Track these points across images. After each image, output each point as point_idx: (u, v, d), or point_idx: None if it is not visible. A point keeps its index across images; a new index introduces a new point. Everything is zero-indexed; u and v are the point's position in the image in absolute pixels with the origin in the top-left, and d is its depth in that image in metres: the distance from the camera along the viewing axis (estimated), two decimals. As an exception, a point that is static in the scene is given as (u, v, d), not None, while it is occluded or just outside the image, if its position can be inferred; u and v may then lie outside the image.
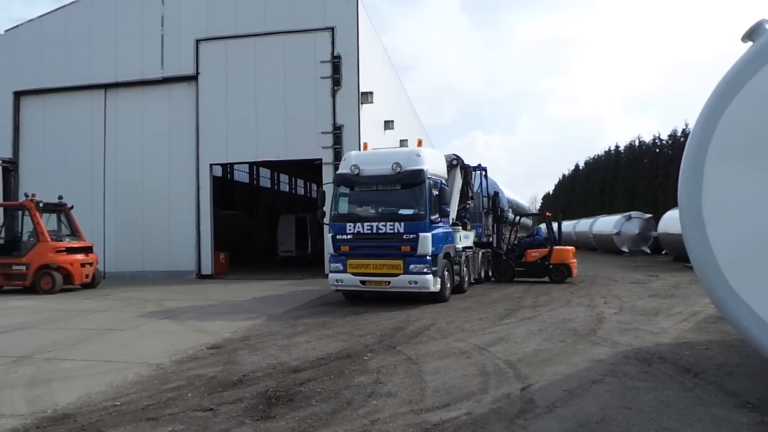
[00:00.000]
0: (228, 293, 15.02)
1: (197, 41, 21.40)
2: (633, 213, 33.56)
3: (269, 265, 26.72)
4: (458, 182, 14.20)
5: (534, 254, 16.52)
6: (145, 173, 21.87)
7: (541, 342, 7.85)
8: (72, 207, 17.30)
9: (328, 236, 12.18)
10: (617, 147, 47.99)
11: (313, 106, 20.19)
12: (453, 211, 13.92)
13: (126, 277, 21.32)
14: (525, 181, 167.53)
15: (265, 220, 41.31)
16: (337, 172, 12.36)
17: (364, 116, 20.43)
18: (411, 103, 39.05)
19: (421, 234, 11.20)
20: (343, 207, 12.09)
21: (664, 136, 39.28)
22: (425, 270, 11.22)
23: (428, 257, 11.29)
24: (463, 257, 13.84)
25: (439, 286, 11.62)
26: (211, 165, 21.39)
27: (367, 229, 11.57)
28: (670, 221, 26.62)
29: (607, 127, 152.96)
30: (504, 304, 11.81)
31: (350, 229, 11.71)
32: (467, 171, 15.12)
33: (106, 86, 22.34)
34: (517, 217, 17.66)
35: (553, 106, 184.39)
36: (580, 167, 61.51)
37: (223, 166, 40.70)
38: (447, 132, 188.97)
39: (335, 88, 20.08)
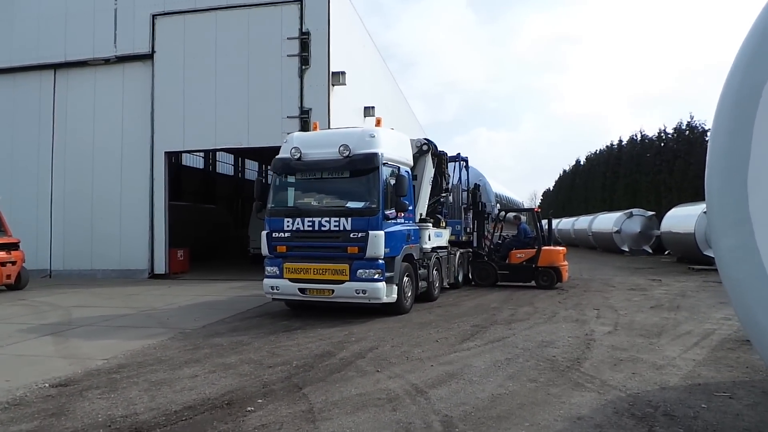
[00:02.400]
0: (162, 298, 12.97)
1: (153, 16, 19.25)
2: (634, 210, 31.50)
3: (239, 262, 24.66)
4: (429, 171, 12.09)
5: (519, 255, 14.43)
6: (96, 162, 19.79)
7: (504, 381, 5.78)
8: (-2, 198, 15.27)
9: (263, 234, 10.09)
10: (620, 141, 45.73)
11: (278, 88, 18.07)
12: (422, 204, 11.86)
13: (73, 276, 19.33)
14: (529, 178, 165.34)
15: (247, 214, 39.19)
16: (276, 157, 10.27)
17: (337, 99, 18.32)
18: (402, 94, 37.00)
19: (371, 232, 9.12)
20: (281, 199, 10.03)
21: (669, 130, 37.08)
22: (376, 276, 9.14)
23: (380, 260, 9.21)
24: (433, 260, 11.77)
25: (395, 295, 9.55)
26: (166, 153, 19.29)
27: (308, 226, 9.51)
28: (674, 219, 24.60)
29: (611, 125, 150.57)
30: (474, 318, 9.73)
31: (288, 226, 9.65)
32: (441, 159, 13.00)
33: (55, 67, 20.22)
34: (502, 213, 15.51)
35: (558, 103, 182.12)
36: (581, 163, 59.30)
37: (205, 155, 39.00)
38: (450, 128, 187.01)
39: (303, 67, 17.94)
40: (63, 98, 20.24)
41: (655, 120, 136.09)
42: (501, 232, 15.62)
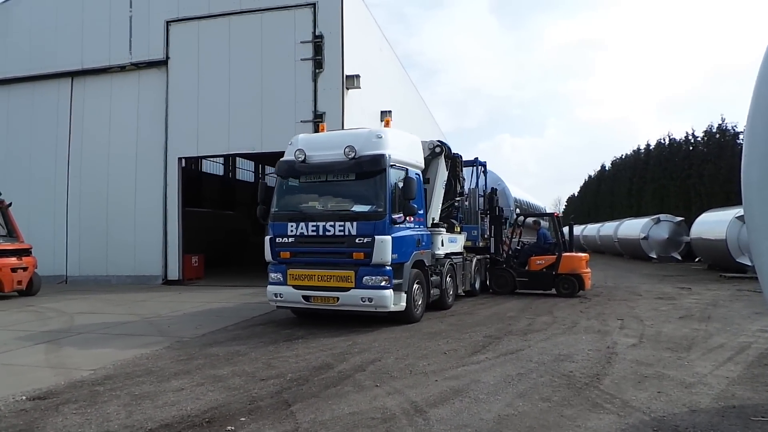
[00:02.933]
0: (169, 305, 12.70)
1: (167, 23, 19.24)
2: (662, 216, 30.43)
3: (256, 269, 24.37)
4: (442, 174, 11.59)
5: (539, 262, 13.79)
6: (111, 168, 19.79)
7: (513, 400, 5.24)
8: (10, 204, 15.25)
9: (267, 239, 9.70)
10: (648, 146, 44.39)
11: (292, 93, 17.81)
12: (435, 209, 11.36)
13: (89, 282, 19.30)
14: (553, 184, 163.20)
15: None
16: (281, 159, 9.89)
17: (352, 103, 17.97)
18: (423, 101, 36.64)
19: (377, 237, 8.66)
20: (285, 203, 9.63)
21: (699, 133, 35.81)
22: (383, 283, 8.66)
23: (387, 267, 8.73)
24: (447, 266, 11.24)
25: (404, 303, 9.06)
26: (179, 159, 19.16)
27: (312, 231, 9.08)
28: (705, 225, 23.58)
29: (638, 130, 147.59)
30: (488, 327, 9.17)
31: (292, 231, 9.24)
32: (456, 161, 12.48)
33: (72, 74, 20.34)
34: (521, 218, 14.87)
35: (582, 108, 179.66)
36: (607, 168, 57.90)
37: (225, 161, 39.08)
38: (474, 135, 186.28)
39: (317, 71, 17.67)
40: (80, 106, 20.35)
41: (683, 124, 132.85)
42: (520, 237, 15.00)
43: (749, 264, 19.39)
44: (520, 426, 4.56)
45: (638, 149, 46.87)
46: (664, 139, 41.14)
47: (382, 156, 8.92)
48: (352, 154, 8.95)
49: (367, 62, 19.97)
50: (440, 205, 11.66)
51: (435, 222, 11.11)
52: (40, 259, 16.58)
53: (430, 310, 10.65)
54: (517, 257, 14.29)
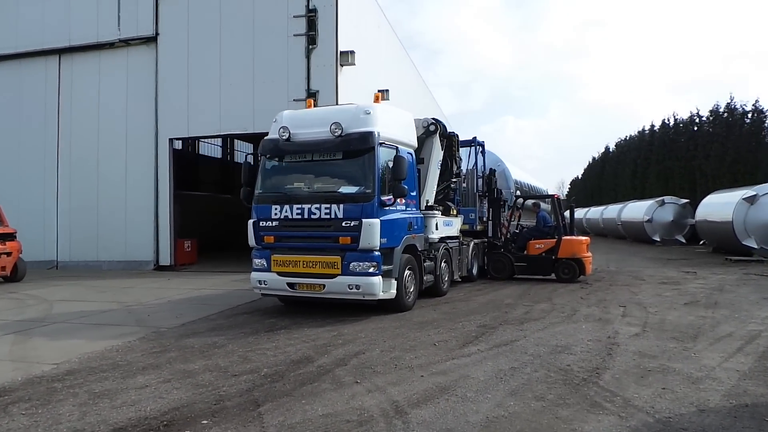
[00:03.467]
0: (155, 292, 12.28)
1: (156, -3, 18.58)
2: (667, 198, 29.88)
3: (252, 253, 23.97)
4: (437, 154, 11.05)
5: (538, 246, 13.29)
6: (101, 150, 19.27)
7: (504, 399, 4.79)
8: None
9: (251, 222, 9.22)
10: (652, 126, 43.55)
11: (284, 70, 17.17)
12: (430, 190, 10.84)
13: (80, 267, 18.92)
14: (557, 167, 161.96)
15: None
16: (265, 138, 9.35)
17: (346, 81, 17.33)
18: (424, 82, 35.92)
19: (365, 220, 8.16)
20: (269, 184, 9.12)
21: (704, 113, 35.00)
22: (371, 269, 8.19)
23: (376, 252, 8.25)
24: (441, 251, 10.76)
25: (394, 290, 8.60)
26: (170, 140, 18.61)
27: (297, 213, 8.59)
28: (710, 207, 23.03)
29: (643, 111, 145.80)
30: (483, 316, 8.71)
31: (276, 214, 8.75)
32: (452, 140, 11.91)
33: (60, 51, 19.73)
34: (520, 200, 14.31)
35: (586, 90, 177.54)
36: (611, 150, 57.07)
37: (223, 143, 38.45)
38: (478, 117, 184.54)
39: (310, 47, 17.01)
40: (68, 84, 19.77)
41: (690, 106, 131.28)
42: (519, 221, 14.49)
43: (755, 246, 18.87)
44: (510, 430, 4.11)
45: (643, 130, 46.07)
46: (668, 120, 40.38)
47: (371, 133, 8.38)
48: (339, 132, 8.41)
49: (363, 39, 19.28)
50: (435, 186, 11.14)
51: (429, 204, 10.60)
52: (30, 244, 16.21)
53: (424, 297, 10.21)
54: (515, 241, 13.79)
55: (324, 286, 8.39)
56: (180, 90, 18.21)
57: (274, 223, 8.74)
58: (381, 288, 8.27)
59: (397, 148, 8.82)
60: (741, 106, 31.43)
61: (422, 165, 10.83)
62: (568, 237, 13.32)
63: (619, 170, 49.57)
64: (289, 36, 17.13)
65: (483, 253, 13.85)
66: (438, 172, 11.21)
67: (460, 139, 12.48)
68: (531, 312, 9.03)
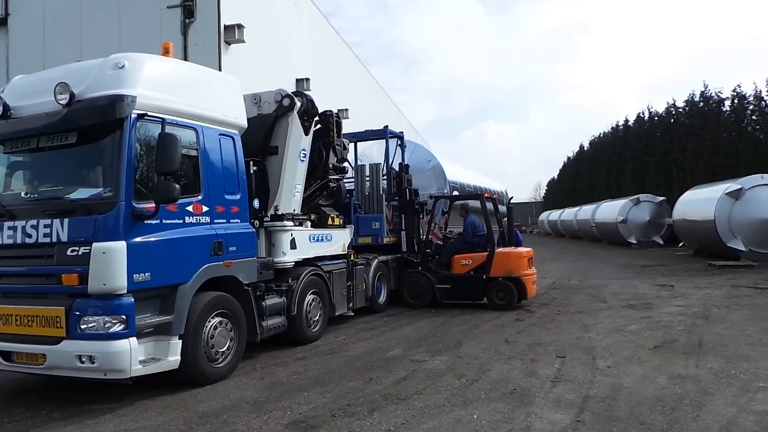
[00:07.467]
0: None
1: (6, -31, 15.15)
2: (642, 196, 26.95)
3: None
4: (297, 141, 7.64)
5: (464, 263, 9.94)
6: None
7: None
8: None
9: None
10: (626, 121, 40.67)
11: (156, 49, 13.73)
12: (288, 193, 7.46)
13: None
14: (538, 170, 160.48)
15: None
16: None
17: (238, 62, 14.00)
18: (379, 85, 33.20)
19: (96, 245, 4.75)
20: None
21: (680, 104, 32.11)
22: (114, 328, 4.76)
23: (124, 298, 4.84)
24: (305, 279, 7.39)
25: (176, 356, 5.17)
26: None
27: (8, 237, 5.18)
28: (689, 204, 20.00)
29: (622, 113, 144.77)
30: (324, 393, 5.31)
31: (-21, 237, 5.31)
32: (328, 123, 8.49)
33: None
34: (429, 201, 10.68)
35: (566, 94, 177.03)
36: (585, 148, 54.21)
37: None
38: (460, 123, 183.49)
39: (187, 21, 13.66)
40: None
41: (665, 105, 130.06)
42: (446, 229, 11.15)
43: (743, 249, 15.81)
44: None
45: (617, 125, 43.25)
46: (643, 113, 37.57)
47: (117, 98, 4.96)
48: (66, 99, 5.01)
49: (266, 14, 16.00)
50: (300, 186, 7.76)
51: (280, 213, 7.23)
52: None
53: (277, 347, 6.87)
54: (437, 256, 10.46)
55: (45, 356, 4.94)
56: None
57: (-22, 253, 5.30)
58: (136, 358, 4.83)
59: (176, 121, 5.41)
60: (716, 93, 28.67)
61: (275, 156, 7.50)
62: (504, 249, 10.04)
63: (594, 169, 46.74)
64: (162, 9, 13.78)
65: (394, 274, 10.49)
66: (303, 165, 7.81)
67: (341, 121, 8.99)
68: (410, 379, 5.66)
